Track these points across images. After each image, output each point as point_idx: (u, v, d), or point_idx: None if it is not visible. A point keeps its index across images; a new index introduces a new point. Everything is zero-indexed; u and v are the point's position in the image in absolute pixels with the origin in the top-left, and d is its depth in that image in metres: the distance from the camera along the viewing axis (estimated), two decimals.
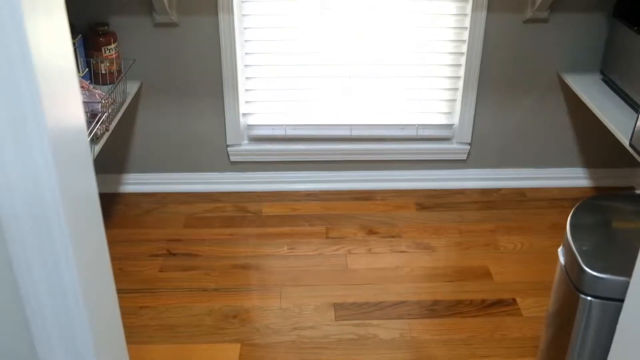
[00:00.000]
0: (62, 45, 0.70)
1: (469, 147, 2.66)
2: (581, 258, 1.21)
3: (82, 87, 1.98)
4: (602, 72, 2.38)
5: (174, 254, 2.34)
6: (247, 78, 2.51)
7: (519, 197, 2.68)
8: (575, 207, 1.33)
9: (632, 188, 2.72)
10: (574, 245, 1.24)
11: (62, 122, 0.69)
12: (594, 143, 2.65)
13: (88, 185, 0.78)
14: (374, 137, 2.64)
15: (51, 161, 0.64)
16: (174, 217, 2.54)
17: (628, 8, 2.20)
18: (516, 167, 2.72)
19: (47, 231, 0.68)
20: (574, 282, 1.25)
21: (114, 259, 2.24)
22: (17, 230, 0.67)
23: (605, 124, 2.11)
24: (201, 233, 2.46)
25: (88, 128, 1.85)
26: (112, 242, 2.35)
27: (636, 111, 2.05)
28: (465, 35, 2.43)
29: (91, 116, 1.92)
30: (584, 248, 1.23)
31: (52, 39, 0.66)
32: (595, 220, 1.32)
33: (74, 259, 0.69)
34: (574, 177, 2.73)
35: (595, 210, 1.34)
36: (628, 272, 1.01)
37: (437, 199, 2.66)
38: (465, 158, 2.69)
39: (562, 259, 1.31)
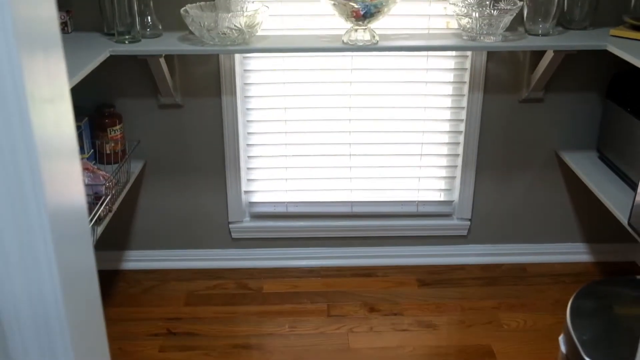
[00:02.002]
0: (66, 136, 0.72)
1: (469, 223, 2.67)
2: (582, 348, 1.21)
3: (86, 168, 2.01)
4: (598, 150, 2.42)
5: (174, 333, 2.33)
6: (249, 157, 2.56)
7: (520, 273, 2.68)
8: (575, 293, 1.34)
9: (634, 263, 2.71)
10: (575, 334, 1.24)
11: (62, 207, 0.70)
12: (594, 219, 2.66)
13: (88, 272, 0.79)
14: (375, 214, 2.66)
15: (50, 243, 0.65)
16: (174, 295, 2.53)
17: (620, 90, 2.25)
18: (517, 242, 2.73)
19: (44, 313, 0.68)
20: None
21: (113, 338, 2.23)
22: (13, 307, 0.68)
23: (604, 202, 2.13)
24: (202, 311, 2.44)
25: (92, 210, 1.87)
26: (111, 321, 2.34)
27: (633, 189, 2.07)
28: (463, 115, 2.48)
29: (95, 198, 1.95)
30: (584, 337, 1.23)
31: (56, 129, 0.69)
32: (595, 306, 1.33)
33: (71, 344, 0.69)
34: (575, 253, 2.73)
35: (595, 296, 1.35)
36: None
37: (438, 275, 2.66)
38: (465, 234, 2.70)
39: (563, 348, 1.31)
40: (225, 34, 2.02)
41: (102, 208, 1.92)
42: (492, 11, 2.09)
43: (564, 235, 2.71)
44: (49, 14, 0.68)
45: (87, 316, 0.78)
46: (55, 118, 0.69)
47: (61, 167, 0.70)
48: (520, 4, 2.08)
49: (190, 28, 2.07)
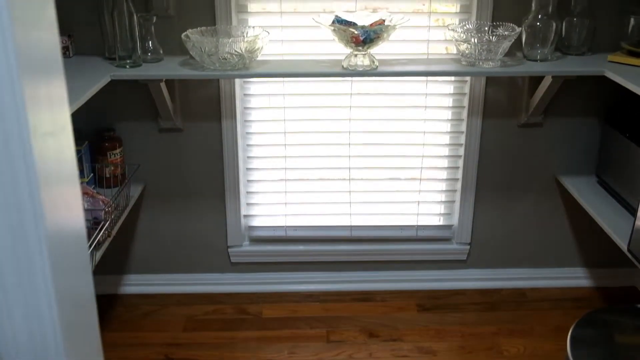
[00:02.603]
0: (67, 166, 0.72)
1: (468, 247, 2.67)
2: None
3: (85, 193, 2.01)
4: (597, 175, 2.42)
5: (173, 359, 2.31)
6: (248, 181, 2.56)
7: (520, 298, 2.66)
8: (576, 322, 1.33)
9: (634, 288, 2.70)
10: None
11: (62, 233, 0.70)
12: (593, 243, 2.66)
13: (86, 297, 0.79)
14: (374, 238, 2.65)
15: (49, 268, 0.65)
16: (173, 320, 2.52)
17: (618, 115, 2.26)
18: (516, 267, 2.72)
19: (42, 337, 0.68)
20: None
21: None
22: (10, 331, 0.67)
23: (603, 228, 2.13)
24: (200, 337, 2.42)
25: (91, 235, 1.86)
26: (109, 346, 2.32)
27: (633, 215, 2.07)
28: (462, 139, 2.49)
29: (94, 223, 1.95)
30: None
31: (57, 161, 0.69)
32: (596, 336, 1.32)
33: None
34: (575, 277, 2.73)
35: (596, 325, 1.34)
36: None
37: (438, 299, 2.65)
38: (465, 258, 2.69)
39: None
40: (225, 59, 2.03)
41: (101, 233, 1.91)
42: (491, 37, 2.11)
43: (564, 260, 2.71)
44: (52, 49, 0.69)
45: (84, 341, 0.77)
46: (57, 149, 0.70)
47: (61, 195, 0.70)
48: (518, 30, 2.10)
49: (191, 53, 2.08)
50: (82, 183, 2.16)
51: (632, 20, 2.12)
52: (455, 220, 2.64)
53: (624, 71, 2.03)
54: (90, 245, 1.82)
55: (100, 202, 2.00)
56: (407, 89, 2.45)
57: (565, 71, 2.13)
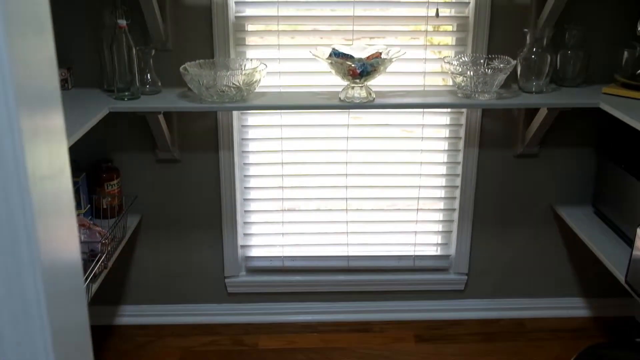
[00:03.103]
0: (64, 206, 0.72)
1: (466, 277, 2.66)
2: None
3: (82, 225, 2.01)
4: (594, 206, 2.43)
5: None
6: (245, 211, 2.56)
7: (518, 328, 2.65)
8: (574, 358, 1.32)
9: (632, 318, 2.69)
10: None
11: (57, 267, 0.70)
12: (591, 273, 2.65)
13: (80, 331, 0.78)
14: (371, 268, 2.64)
15: (43, 302, 0.64)
16: (169, 351, 2.50)
17: (614, 147, 2.28)
18: (514, 297, 2.71)
19: None
20: None
21: None
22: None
23: (601, 259, 2.13)
24: None
25: (87, 268, 1.86)
26: None
27: (629, 245, 2.07)
28: (459, 170, 2.50)
29: (91, 255, 1.94)
30: None
31: (54, 202, 0.69)
32: None
33: None
34: (574, 307, 2.72)
35: None
36: None
37: (436, 330, 2.63)
38: (463, 288, 2.68)
39: None
40: (223, 91, 2.05)
41: (97, 265, 1.91)
42: (486, 70, 2.13)
43: (562, 290, 2.70)
44: (52, 90, 0.70)
45: None
46: (54, 191, 0.70)
47: (57, 229, 0.70)
48: (513, 63, 2.12)
49: (189, 85, 2.09)
50: (79, 215, 2.16)
51: (625, 53, 2.14)
52: (452, 250, 2.64)
53: (618, 103, 2.05)
54: (86, 278, 1.81)
55: (97, 234, 1.99)
56: (404, 120, 2.47)
57: (561, 103, 2.14)
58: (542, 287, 2.69)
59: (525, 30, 2.19)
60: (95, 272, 1.90)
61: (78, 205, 2.21)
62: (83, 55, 2.25)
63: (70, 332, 0.75)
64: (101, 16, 2.17)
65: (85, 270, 1.84)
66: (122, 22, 2.02)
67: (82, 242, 1.93)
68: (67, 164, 0.73)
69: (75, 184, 2.16)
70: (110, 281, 2.51)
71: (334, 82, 2.17)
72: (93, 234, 1.99)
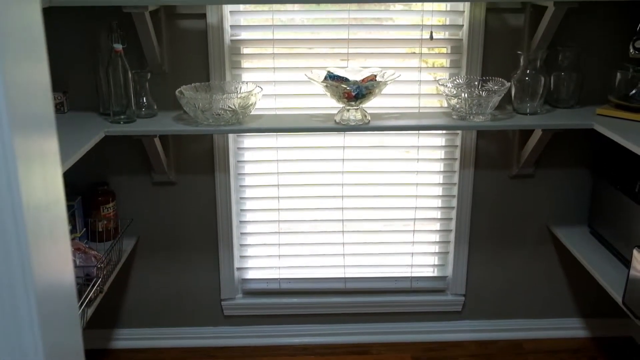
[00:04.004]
0: (60, 238, 0.72)
1: (463, 298, 2.65)
2: None
3: (78, 249, 2.00)
4: (590, 226, 2.43)
5: None
6: (242, 233, 2.55)
7: (516, 350, 2.64)
8: None
9: (631, 339, 2.68)
10: None
11: (51, 293, 0.69)
12: (589, 293, 2.65)
13: (75, 357, 0.78)
14: (368, 290, 2.64)
15: (38, 328, 0.64)
16: None
17: (609, 167, 2.28)
18: (512, 317, 2.70)
19: None
20: None
21: None
22: None
23: (598, 280, 2.13)
24: None
25: (82, 293, 1.85)
26: None
27: (626, 266, 2.07)
28: (455, 191, 2.50)
29: (86, 279, 1.93)
30: None
31: (50, 235, 0.69)
32: None
33: None
34: (571, 328, 2.71)
35: None
36: None
37: (434, 352, 2.62)
38: (460, 310, 2.67)
39: None
40: (219, 114, 2.05)
41: (93, 290, 1.90)
42: (481, 92, 2.14)
43: (560, 310, 2.69)
44: (47, 117, 0.70)
45: None
46: (49, 217, 0.70)
47: (51, 257, 0.70)
48: (508, 85, 2.13)
49: (184, 109, 2.10)
50: (74, 238, 2.16)
51: (618, 75, 2.15)
52: (449, 272, 2.63)
53: (612, 124, 2.06)
54: (81, 304, 1.80)
55: (93, 258, 1.99)
56: (399, 142, 2.48)
57: (555, 124, 2.15)
58: (540, 308, 2.69)
59: (519, 52, 2.20)
60: (90, 297, 1.89)
61: (73, 229, 2.20)
62: (79, 79, 2.26)
63: (64, 357, 0.75)
64: (97, 40, 2.18)
65: (80, 296, 1.83)
66: (119, 46, 2.03)
67: (77, 267, 1.92)
68: (62, 190, 0.73)
69: (70, 207, 2.16)
70: (106, 304, 2.50)
71: (330, 104, 2.18)
72: (88, 258, 1.98)
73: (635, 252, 1.85)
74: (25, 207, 0.62)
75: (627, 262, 2.08)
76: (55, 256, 0.72)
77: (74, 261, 1.93)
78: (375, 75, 2.14)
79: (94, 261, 1.98)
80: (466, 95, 2.13)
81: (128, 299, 2.59)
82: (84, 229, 2.28)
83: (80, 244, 2.06)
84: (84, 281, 1.93)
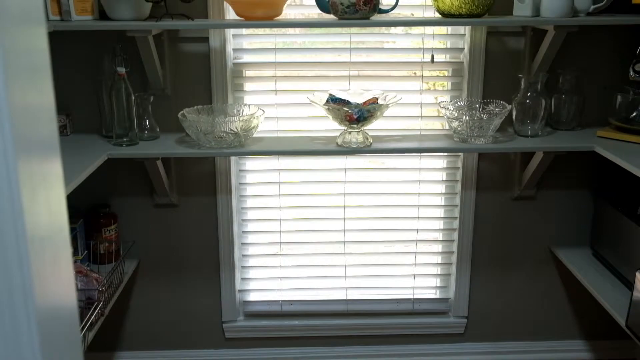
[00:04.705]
0: (63, 273, 0.72)
1: (466, 320, 2.64)
2: None
3: (79, 272, 2.00)
4: (592, 247, 2.42)
5: None
6: (243, 255, 2.55)
7: None
8: None
9: None
10: None
11: (53, 317, 0.69)
12: (591, 315, 2.64)
13: None
14: (370, 312, 2.62)
15: (39, 353, 0.64)
16: None
17: (610, 189, 2.29)
18: (515, 339, 2.68)
19: None
20: None
21: None
22: None
23: (601, 303, 2.12)
24: None
25: (84, 316, 1.84)
26: None
27: (629, 288, 2.07)
28: (456, 213, 2.50)
29: (87, 303, 1.93)
30: None
31: (52, 267, 0.69)
32: None
33: None
34: (574, 350, 2.69)
35: None
36: None
37: None
38: (462, 332, 2.66)
39: None
40: (221, 137, 2.06)
41: (94, 314, 1.89)
42: (482, 115, 2.15)
43: (563, 332, 2.68)
44: (51, 142, 0.70)
45: None
46: (52, 242, 0.70)
47: (53, 282, 0.70)
48: (509, 107, 2.14)
49: (187, 131, 2.11)
50: (75, 261, 2.15)
51: (618, 98, 2.16)
52: (451, 293, 2.62)
53: (613, 146, 2.07)
54: (82, 327, 1.80)
55: (94, 281, 1.98)
56: (401, 164, 2.48)
57: (556, 147, 2.16)
58: (543, 330, 2.67)
59: (520, 75, 2.22)
60: (92, 321, 1.89)
61: (75, 251, 2.20)
62: (82, 101, 2.27)
63: None
64: (101, 63, 2.20)
65: (81, 319, 1.82)
66: (122, 70, 2.05)
67: (78, 290, 1.92)
68: (65, 214, 0.73)
69: (72, 229, 2.16)
70: (107, 327, 2.49)
71: (332, 126, 2.18)
72: (90, 281, 1.97)
73: (638, 274, 1.85)
74: (28, 231, 0.62)
75: (629, 284, 2.08)
76: (58, 280, 0.72)
77: (76, 284, 1.92)
78: (377, 98, 2.15)
79: (95, 284, 1.97)
80: (467, 118, 2.14)
81: (129, 321, 2.58)
82: (86, 252, 2.28)
83: (82, 267, 2.06)
84: (85, 304, 1.93)
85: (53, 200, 0.70)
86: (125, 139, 2.12)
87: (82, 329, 1.80)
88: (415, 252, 2.56)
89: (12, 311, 0.63)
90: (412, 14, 2.31)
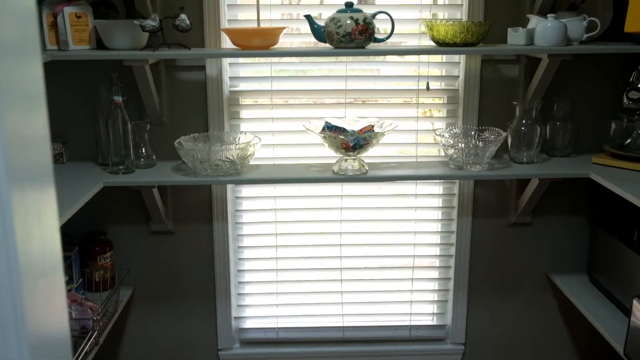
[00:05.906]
0: (57, 307, 0.72)
1: (463, 347, 2.62)
2: None
3: (74, 300, 1.99)
4: (589, 274, 2.42)
5: None
6: (239, 282, 2.54)
7: None
8: None
9: None
10: None
11: (45, 348, 0.68)
12: (590, 342, 2.62)
13: None
14: (367, 339, 2.61)
15: None
16: None
17: (606, 216, 2.29)
18: None
19: None
20: None
21: None
22: None
23: (598, 330, 2.11)
24: None
25: (78, 346, 1.83)
26: None
27: (626, 315, 2.06)
28: (453, 239, 2.50)
29: (82, 332, 1.91)
30: None
31: (47, 303, 0.68)
32: None
33: None
34: None
35: None
36: None
37: None
38: (460, 359, 2.64)
39: None
40: (217, 165, 2.06)
41: (89, 344, 1.88)
42: (478, 142, 2.16)
43: (560, 359, 2.66)
44: (45, 172, 0.70)
45: None
46: (45, 277, 0.69)
47: (46, 312, 0.69)
48: (504, 134, 2.15)
49: (183, 159, 2.11)
50: (70, 289, 2.14)
51: (613, 125, 2.18)
52: (448, 320, 2.61)
53: (608, 173, 2.07)
54: (77, 357, 1.78)
55: (89, 310, 1.97)
56: (397, 190, 2.49)
57: (551, 174, 2.16)
58: (540, 357, 2.65)
59: (515, 102, 2.23)
60: (86, 350, 1.87)
61: (70, 280, 2.19)
62: (78, 129, 2.28)
63: None
64: (98, 92, 2.21)
65: (75, 349, 1.81)
66: (118, 99, 2.06)
67: (73, 319, 1.90)
68: (59, 244, 0.73)
69: (67, 258, 2.15)
70: (102, 355, 2.46)
71: (328, 153, 2.19)
72: (84, 310, 1.96)
73: (635, 302, 1.84)
74: (21, 261, 0.62)
75: (627, 311, 2.07)
76: (51, 311, 0.71)
77: (70, 314, 1.91)
78: (373, 126, 2.16)
79: (90, 313, 1.96)
80: (463, 145, 2.15)
81: (124, 349, 2.56)
82: (81, 279, 2.27)
83: (77, 296, 2.05)
84: (79, 334, 1.91)
85: (47, 231, 0.70)
86: (121, 167, 2.12)
87: (77, 359, 1.79)
88: (412, 279, 2.56)
89: (4, 343, 0.63)
90: (406, 42, 2.33)
